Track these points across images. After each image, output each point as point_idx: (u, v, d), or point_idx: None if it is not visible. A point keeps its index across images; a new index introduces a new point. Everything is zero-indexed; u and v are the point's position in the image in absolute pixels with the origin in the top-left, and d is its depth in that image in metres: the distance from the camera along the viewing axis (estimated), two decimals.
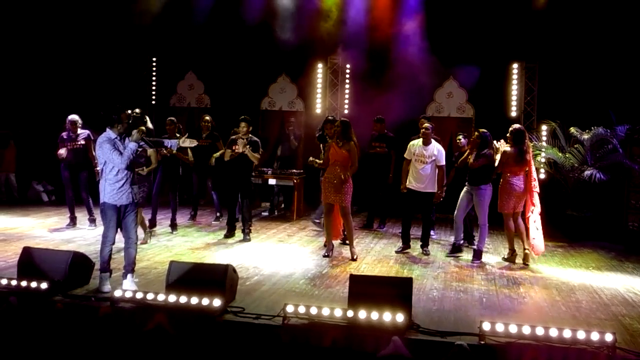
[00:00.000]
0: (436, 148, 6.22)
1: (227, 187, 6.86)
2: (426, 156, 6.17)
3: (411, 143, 6.34)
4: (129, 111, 5.89)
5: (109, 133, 4.51)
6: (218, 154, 7.43)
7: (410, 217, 6.39)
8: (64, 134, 7.15)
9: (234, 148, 6.60)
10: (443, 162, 6.22)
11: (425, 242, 6.40)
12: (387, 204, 7.81)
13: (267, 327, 3.84)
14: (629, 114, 7.83)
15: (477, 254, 6.01)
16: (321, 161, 6.23)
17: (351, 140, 5.85)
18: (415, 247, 6.51)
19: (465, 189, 6.09)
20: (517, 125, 6.10)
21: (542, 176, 8.77)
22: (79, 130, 7.16)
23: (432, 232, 6.99)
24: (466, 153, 6.25)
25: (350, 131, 5.88)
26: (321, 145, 6.91)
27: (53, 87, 9.60)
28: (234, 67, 9.69)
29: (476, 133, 6.07)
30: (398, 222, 7.54)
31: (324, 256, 5.93)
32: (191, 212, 8.02)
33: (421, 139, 6.24)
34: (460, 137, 6.95)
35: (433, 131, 6.35)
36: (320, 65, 9.66)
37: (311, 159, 6.33)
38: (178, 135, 6.93)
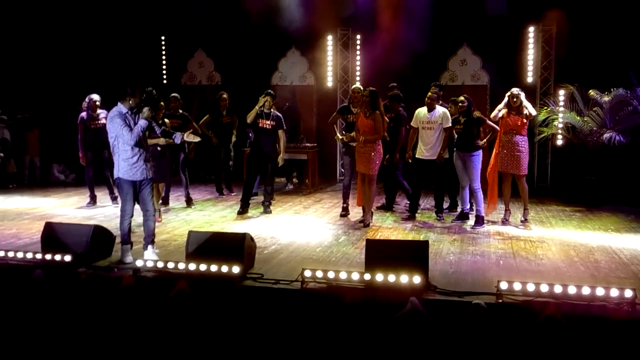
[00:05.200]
0: (440, 113, 6.21)
1: (251, 163, 6.82)
2: (432, 122, 6.18)
3: (417, 111, 6.33)
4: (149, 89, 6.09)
5: (120, 107, 4.54)
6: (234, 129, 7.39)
7: (420, 187, 6.41)
8: (84, 114, 7.17)
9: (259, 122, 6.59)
10: (449, 124, 6.22)
11: (439, 208, 6.43)
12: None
13: (286, 291, 3.91)
14: None
15: (480, 219, 6.05)
16: (350, 135, 6.23)
17: (377, 109, 5.84)
18: (432, 215, 6.53)
19: (456, 155, 6.22)
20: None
21: (560, 142, 8.64)
22: (99, 110, 7.21)
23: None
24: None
25: (378, 101, 5.89)
26: (341, 118, 6.86)
27: (67, 70, 9.65)
28: (244, 43, 9.60)
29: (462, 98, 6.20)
30: (398, 192, 7.52)
31: (365, 225, 5.90)
32: (223, 187, 8.07)
33: (426, 107, 6.22)
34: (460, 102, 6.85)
35: (439, 98, 6.37)
36: (330, 37, 9.51)
37: (341, 137, 6.41)
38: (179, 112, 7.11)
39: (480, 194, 6.05)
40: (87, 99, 7.18)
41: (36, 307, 4.14)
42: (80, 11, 9.30)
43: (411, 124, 6.35)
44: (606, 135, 7.45)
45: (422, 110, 6.28)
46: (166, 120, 6.46)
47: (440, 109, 6.23)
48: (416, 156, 6.30)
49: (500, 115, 6.09)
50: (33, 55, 9.62)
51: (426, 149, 6.21)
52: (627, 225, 6.21)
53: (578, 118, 7.86)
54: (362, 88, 6.83)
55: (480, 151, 6.12)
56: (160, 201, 6.58)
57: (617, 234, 5.75)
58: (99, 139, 7.11)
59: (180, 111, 7.27)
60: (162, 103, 6.37)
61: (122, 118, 4.49)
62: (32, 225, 6.06)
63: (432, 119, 6.18)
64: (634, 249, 5.12)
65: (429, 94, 6.25)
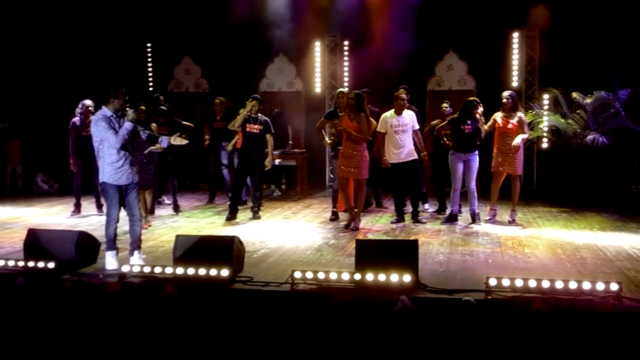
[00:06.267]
0: (409, 115, 6.29)
1: (240, 168, 6.78)
2: (403, 124, 6.23)
3: (384, 115, 6.33)
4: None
5: (104, 110, 4.48)
6: (234, 140, 7.33)
7: (401, 191, 6.44)
8: (76, 120, 7.03)
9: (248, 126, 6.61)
10: (417, 126, 6.36)
11: (415, 213, 6.40)
12: (379, 180, 7.66)
13: (276, 293, 3.87)
14: (632, 77, 7.75)
15: (477, 216, 6.16)
16: (332, 139, 6.26)
17: (362, 112, 5.86)
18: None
19: (453, 157, 6.18)
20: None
21: (545, 145, 8.77)
22: (91, 117, 7.09)
23: (426, 206, 7.04)
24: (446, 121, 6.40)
25: (363, 104, 5.91)
26: (328, 123, 6.89)
27: (50, 79, 9.51)
28: (231, 49, 9.59)
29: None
30: (387, 197, 7.60)
31: (346, 227, 5.94)
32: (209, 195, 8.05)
33: (393, 110, 6.26)
34: (446, 105, 6.94)
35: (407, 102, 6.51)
36: (317, 43, 9.56)
37: (329, 141, 6.45)
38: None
39: (475, 193, 6.16)
40: (80, 105, 7.06)
41: (19, 315, 4.03)
42: (63, 19, 9.20)
43: (378, 129, 6.28)
44: (590, 137, 7.59)
45: (389, 114, 6.28)
46: (153, 124, 6.42)
47: (407, 112, 6.30)
48: (389, 161, 6.29)
49: (492, 119, 6.21)
50: (14, 63, 9.47)
51: (399, 152, 6.23)
52: (611, 224, 6.30)
53: (562, 121, 8.00)
54: (346, 92, 6.89)
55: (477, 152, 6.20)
56: (149, 210, 6.51)
57: (602, 233, 5.83)
58: (90, 147, 6.98)
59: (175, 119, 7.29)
60: (142, 107, 6.31)
61: (107, 121, 4.43)
62: (14, 234, 5.93)
63: (403, 121, 6.22)
64: (618, 246, 5.20)
65: (403, 95, 6.26)
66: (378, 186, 7.58)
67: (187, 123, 7.45)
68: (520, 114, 6.21)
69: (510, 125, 6.12)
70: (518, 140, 5.99)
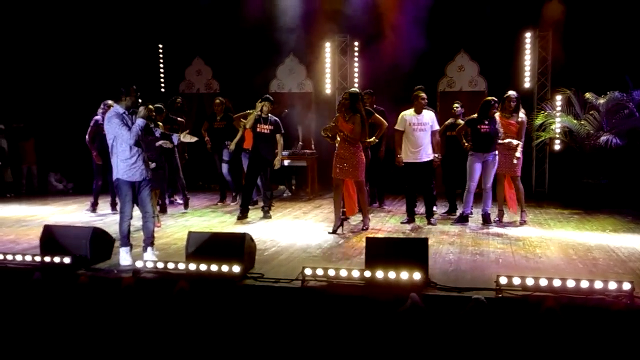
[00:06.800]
0: (429, 115, 6.28)
1: (250, 168, 6.82)
2: (423, 124, 6.21)
3: (403, 113, 6.30)
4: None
5: (117, 108, 4.57)
6: (237, 137, 7.42)
7: (413, 192, 6.42)
8: (99, 118, 7.13)
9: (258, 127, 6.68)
10: (437, 127, 6.35)
11: (429, 214, 6.39)
12: (384, 180, 7.65)
13: (287, 289, 3.91)
14: None
15: (489, 217, 6.14)
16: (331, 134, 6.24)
17: (357, 112, 5.80)
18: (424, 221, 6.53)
19: (472, 157, 6.12)
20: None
21: (557, 147, 8.70)
22: None
23: (434, 208, 7.00)
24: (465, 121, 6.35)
25: (358, 104, 5.84)
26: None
27: (63, 79, 9.65)
28: (242, 51, 9.66)
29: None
30: (397, 198, 7.56)
31: (330, 233, 5.82)
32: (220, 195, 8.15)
33: (413, 109, 6.25)
34: (457, 105, 6.90)
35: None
36: (328, 44, 9.60)
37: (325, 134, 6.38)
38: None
39: (491, 193, 6.14)
40: (102, 105, 7.17)
41: (35, 309, 4.12)
42: (76, 20, 9.33)
43: (396, 127, 6.29)
44: (603, 138, 7.51)
45: (409, 113, 6.26)
46: (159, 123, 6.52)
47: (427, 112, 6.29)
48: (404, 160, 6.27)
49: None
50: (29, 65, 9.61)
51: (416, 151, 6.19)
52: (624, 225, 6.23)
53: (575, 122, 7.93)
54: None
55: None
56: (158, 208, 6.59)
57: (615, 234, 5.77)
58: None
59: (172, 116, 7.38)
60: (150, 107, 6.39)
61: (120, 118, 4.51)
62: (31, 231, 6.04)
63: (423, 120, 6.20)
64: (631, 247, 5.15)
65: (423, 94, 6.24)
66: (381, 186, 7.58)
67: (180, 119, 7.52)
68: (521, 114, 6.14)
69: (511, 127, 6.09)
70: (517, 145, 5.99)
